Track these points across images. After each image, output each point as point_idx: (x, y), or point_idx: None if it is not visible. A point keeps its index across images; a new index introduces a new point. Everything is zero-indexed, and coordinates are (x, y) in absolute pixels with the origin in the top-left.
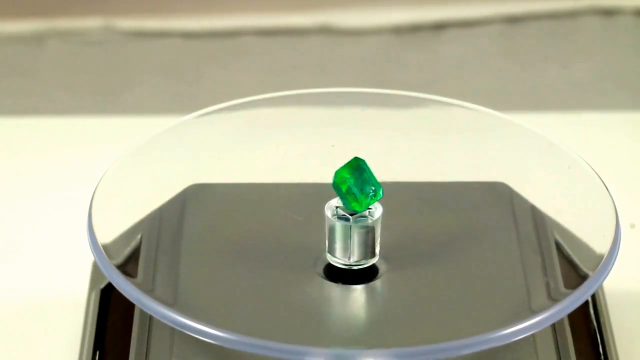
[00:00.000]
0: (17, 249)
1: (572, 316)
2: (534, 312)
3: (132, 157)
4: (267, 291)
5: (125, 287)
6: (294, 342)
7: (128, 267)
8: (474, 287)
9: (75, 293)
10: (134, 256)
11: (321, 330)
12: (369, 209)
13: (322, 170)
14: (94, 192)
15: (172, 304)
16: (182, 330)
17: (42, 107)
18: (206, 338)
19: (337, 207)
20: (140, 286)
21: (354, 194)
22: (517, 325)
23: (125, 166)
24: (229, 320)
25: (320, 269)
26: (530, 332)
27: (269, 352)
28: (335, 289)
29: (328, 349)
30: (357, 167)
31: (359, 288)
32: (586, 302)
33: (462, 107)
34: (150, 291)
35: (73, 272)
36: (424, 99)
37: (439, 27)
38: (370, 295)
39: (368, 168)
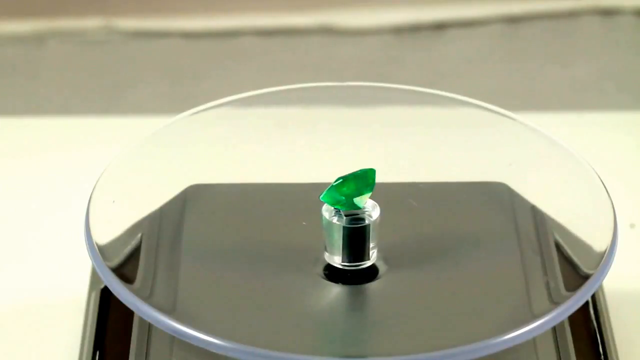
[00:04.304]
0: (17, 249)
1: (572, 316)
2: (534, 315)
3: (131, 157)
4: (266, 293)
5: (122, 292)
6: (295, 350)
7: (127, 269)
8: (473, 287)
9: (75, 293)
10: (133, 257)
11: (321, 336)
12: (365, 209)
13: (322, 170)
14: (92, 192)
15: (170, 309)
16: (180, 338)
17: (42, 107)
18: (206, 347)
19: (334, 208)
20: (138, 291)
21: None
22: (516, 331)
23: (123, 166)
24: (228, 326)
25: (319, 269)
26: (530, 337)
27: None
28: (334, 290)
29: (327, 358)
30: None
31: (358, 289)
32: (586, 302)
33: (463, 102)
34: (148, 297)
35: (73, 273)
36: (426, 94)
37: (440, 27)
38: (370, 296)
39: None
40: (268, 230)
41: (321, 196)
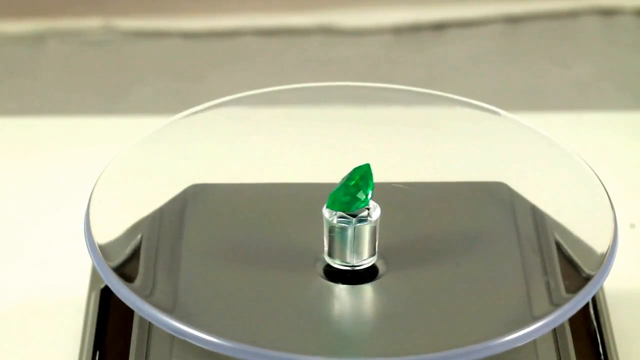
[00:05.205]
0: (17, 249)
1: (572, 316)
2: (534, 316)
3: (131, 156)
4: (266, 293)
5: (123, 291)
6: (295, 350)
7: (127, 269)
8: (473, 288)
9: (75, 293)
10: (133, 257)
11: (321, 335)
12: (367, 208)
13: (322, 170)
14: (92, 192)
15: (171, 308)
16: (180, 337)
17: (42, 107)
18: (206, 346)
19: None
20: (138, 290)
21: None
22: (517, 332)
23: (123, 166)
24: (228, 326)
25: (320, 269)
26: (530, 339)
27: None
28: (334, 290)
29: (327, 358)
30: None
31: (358, 289)
32: (586, 303)
33: (463, 102)
34: (148, 296)
35: (73, 272)
36: (425, 94)
37: (439, 27)
38: (369, 296)
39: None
40: (268, 230)
41: (327, 205)
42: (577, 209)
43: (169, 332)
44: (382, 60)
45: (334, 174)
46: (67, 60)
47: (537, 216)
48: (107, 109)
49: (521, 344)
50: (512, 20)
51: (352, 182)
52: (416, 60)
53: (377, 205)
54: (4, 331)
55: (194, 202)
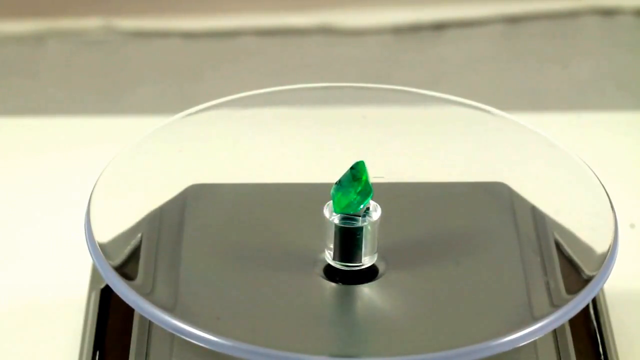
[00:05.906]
0: (17, 249)
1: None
2: (534, 316)
3: (131, 156)
4: (266, 293)
5: (123, 290)
6: (295, 349)
7: (127, 268)
8: (473, 288)
9: (75, 293)
10: (133, 257)
11: (322, 335)
12: (368, 208)
13: (322, 170)
14: (92, 192)
15: (171, 307)
16: (180, 335)
17: (42, 107)
18: (205, 344)
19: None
20: (139, 289)
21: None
22: (517, 332)
23: (124, 165)
24: (229, 325)
25: (319, 269)
26: (530, 340)
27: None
28: (334, 290)
29: (327, 358)
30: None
31: (358, 289)
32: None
33: (462, 104)
34: (149, 294)
35: (73, 272)
36: (425, 95)
37: (439, 27)
38: (369, 296)
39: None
40: (268, 230)
41: (334, 210)
42: (577, 209)
43: (170, 330)
44: (382, 60)
45: (334, 174)
46: (67, 60)
47: (537, 216)
48: (107, 109)
49: (521, 344)
50: (512, 20)
51: (360, 184)
52: (416, 60)
53: (378, 205)
54: (4, 331)
55: (194, 202)
